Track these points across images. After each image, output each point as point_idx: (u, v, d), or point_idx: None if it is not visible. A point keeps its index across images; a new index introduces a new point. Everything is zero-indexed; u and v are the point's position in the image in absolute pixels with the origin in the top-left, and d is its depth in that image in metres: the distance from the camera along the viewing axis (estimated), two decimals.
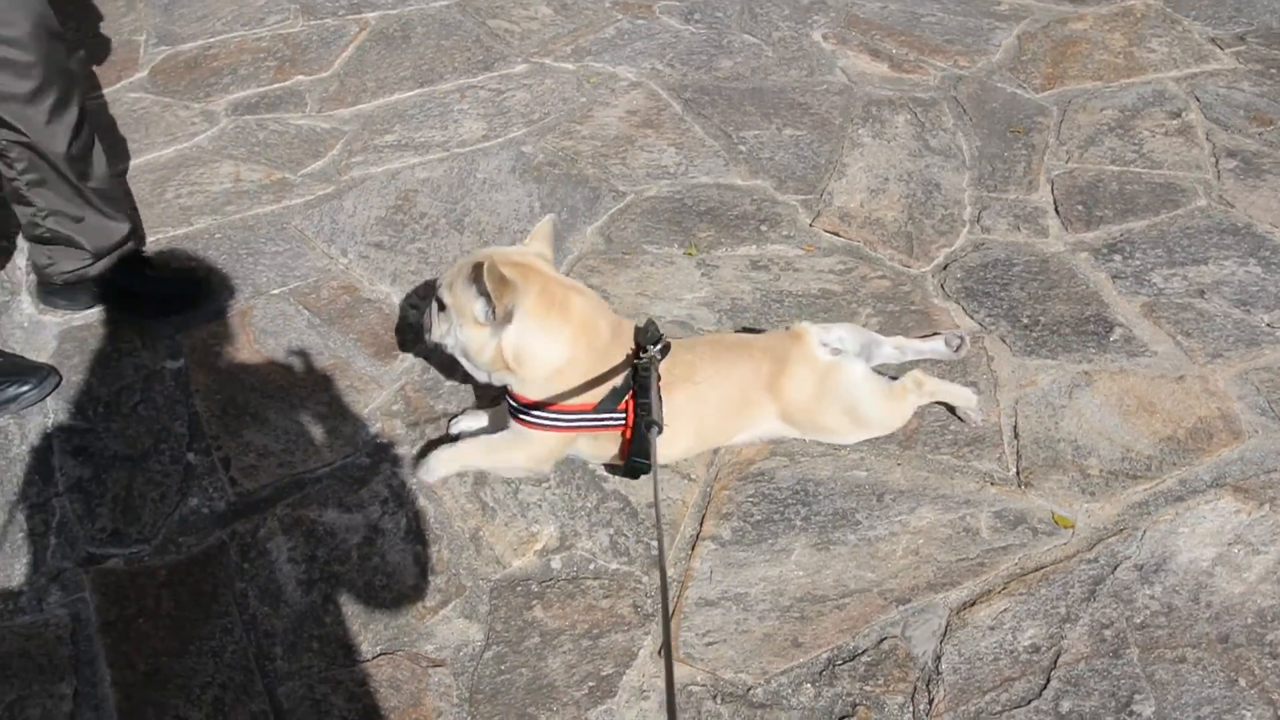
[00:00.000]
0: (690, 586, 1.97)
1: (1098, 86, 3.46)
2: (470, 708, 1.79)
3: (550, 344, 1.90)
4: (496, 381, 1.98)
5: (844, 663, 1.84)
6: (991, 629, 1.88)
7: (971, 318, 2.54)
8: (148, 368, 2.40)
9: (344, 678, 1.83)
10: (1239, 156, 3.09)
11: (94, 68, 3.51)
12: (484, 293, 1.83)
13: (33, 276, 2.55)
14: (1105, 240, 2.79)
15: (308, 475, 2.17)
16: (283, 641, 1.89)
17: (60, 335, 2.48)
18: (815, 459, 2.19)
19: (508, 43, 3.67)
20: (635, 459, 1.98)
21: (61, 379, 2.36)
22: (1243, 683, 1.79)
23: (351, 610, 1.93)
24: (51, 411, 2.29)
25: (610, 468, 2.14)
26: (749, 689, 1.81)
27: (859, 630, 1.89)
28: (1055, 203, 2.94)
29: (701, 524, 2.08)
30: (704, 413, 2.04)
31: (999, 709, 1.77)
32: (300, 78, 3.47)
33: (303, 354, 2.43)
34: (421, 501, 2.11)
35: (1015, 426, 2.26)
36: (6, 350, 2.38)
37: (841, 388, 2.10)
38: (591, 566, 2.01)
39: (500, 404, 2.11)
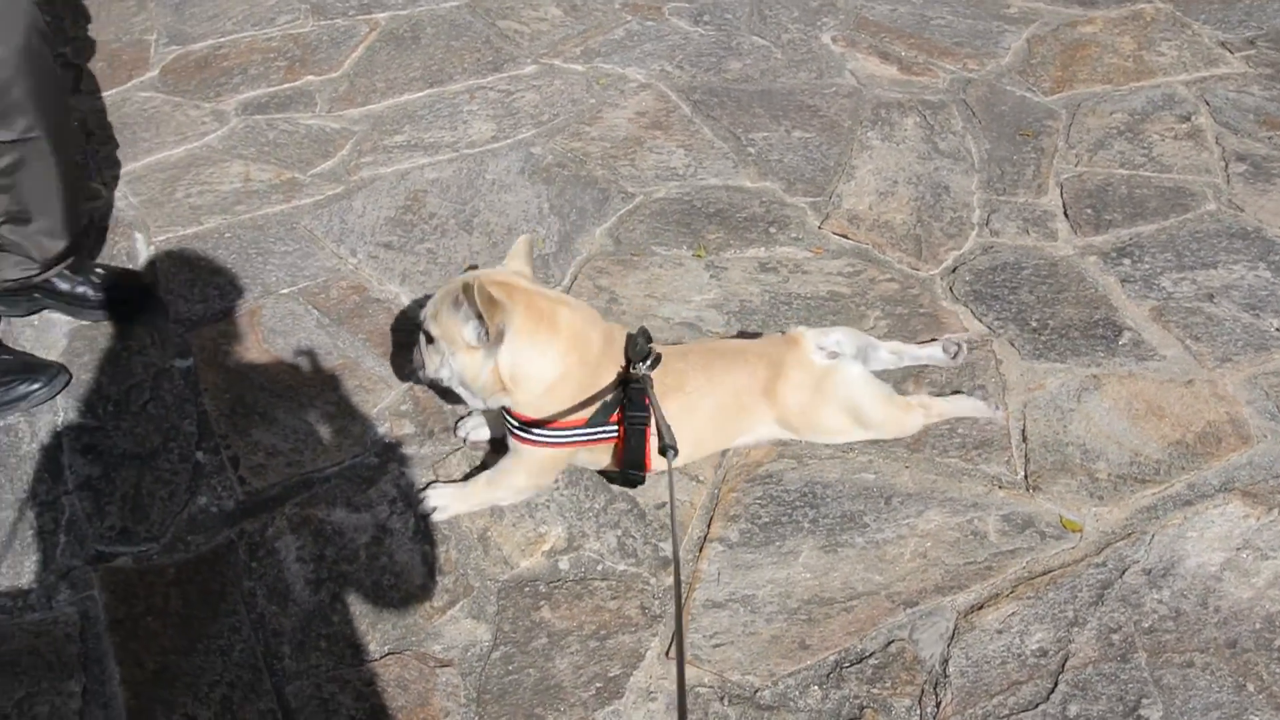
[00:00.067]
0: (698, 588, 1.97)
1: (1107, 90, 3.46)
2: (477, 708, 1.79)
3: (542, 359, 1.88)
4: (493, 405, 1.97)
5: (851, 665, 1.84)
6: (999, 632, 1.88)
7: (980, 321, 2.53)
8: (157, 366, 2.41)
9: (352, 677, 1.84)
10: (1249, 160, 3.08)
11: (104, 67, 3.53)
12: (473, 315, 1.82)
13: None
14: (1114, 244, 2.78)
15: (316, 474, 2.18)
16: (291, 640, 1.89)
17: (70, 333, 2.49)
18: (823, 461, 2.19)
19: (517, 44, 3.68)
20: (629, 470, 1.99)
21: (71, 377, 2.36)
22: (1251, 688, 1.78)
23: (359, 610, 1.94)
24: (61, 409, 2.30)
25: (606, 475, 2.15)
26: (756, 691, 1.81)
27: (866, 633, 1.89)
28: (1064, 206, 2.94)
29: (709, 526, 2.08)
30: (697, 422, 2.03)
31: (1006, 712, 1.76)
32: (310, 78, 3.48)
33: (311, 353, 2.44)
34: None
35: (1024, 430, 2.26)
36: (17, 348, 2.39)
37: (840, 389, 2.09)
38: (599, 567, 2.01)
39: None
